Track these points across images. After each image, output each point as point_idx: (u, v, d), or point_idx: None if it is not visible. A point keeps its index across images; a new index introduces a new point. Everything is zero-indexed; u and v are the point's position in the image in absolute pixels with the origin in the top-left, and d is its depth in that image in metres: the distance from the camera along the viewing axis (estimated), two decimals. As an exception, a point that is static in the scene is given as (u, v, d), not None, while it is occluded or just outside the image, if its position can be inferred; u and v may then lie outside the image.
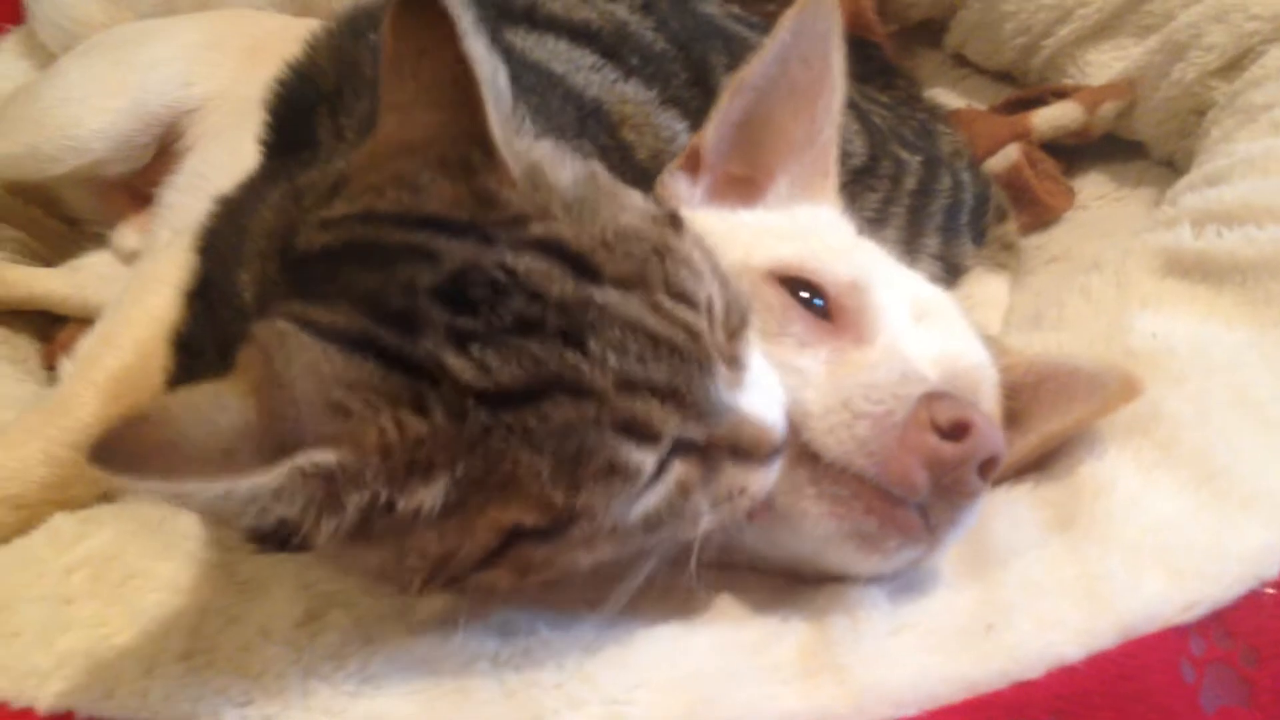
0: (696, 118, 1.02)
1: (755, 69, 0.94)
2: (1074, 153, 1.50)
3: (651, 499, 0.62)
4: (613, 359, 0.58)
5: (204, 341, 0.80)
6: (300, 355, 0.56)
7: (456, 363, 0.57)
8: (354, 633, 0.70)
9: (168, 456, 0.52)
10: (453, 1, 0.60)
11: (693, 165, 0.95)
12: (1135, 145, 1.45)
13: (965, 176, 1.25)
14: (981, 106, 1.62)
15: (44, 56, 1.59)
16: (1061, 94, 1.49)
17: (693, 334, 0.61)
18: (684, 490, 0.63)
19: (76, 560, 0.76)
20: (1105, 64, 1.46)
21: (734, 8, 1.24)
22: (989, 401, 0.84)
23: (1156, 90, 1.37)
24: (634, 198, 0.67)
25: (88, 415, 0.84)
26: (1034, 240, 1.35)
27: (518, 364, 0.57)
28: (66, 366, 0.95)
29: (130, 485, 0.53)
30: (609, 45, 1.03)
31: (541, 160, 0.64)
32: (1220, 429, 0.77)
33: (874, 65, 1.55)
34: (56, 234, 1.51)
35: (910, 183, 1.16)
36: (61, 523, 0.80)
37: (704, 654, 0.68)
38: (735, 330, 0.66)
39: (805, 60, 0.95)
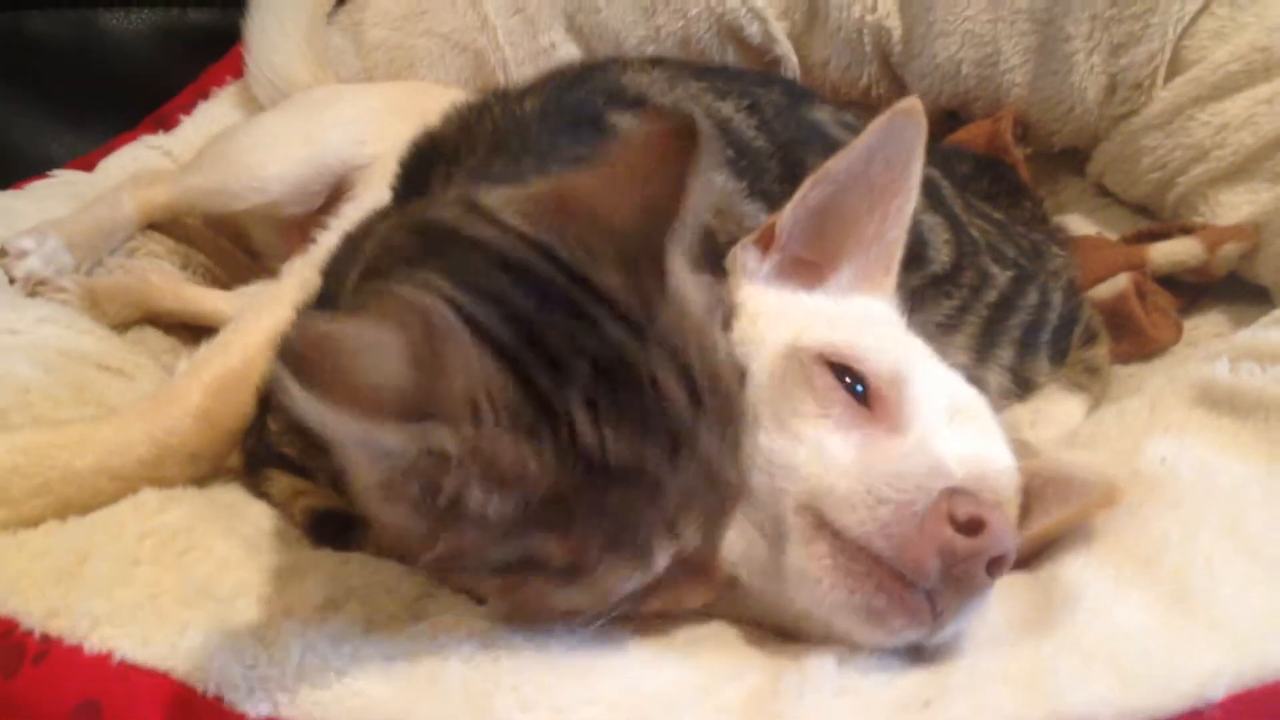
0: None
1: (841, 163, 1.00)
2: (1198, 290, 1.50)
3: (646, 576, 0.72)
4: (690, 477, 0.70)
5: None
6: (457, 341, 0.65)
7: (584, 424, 0.66)
8: (360, 623, 0.78)
9: (333, 383, 0.58)
10: (708, 141, 0.71)
11: (766, 242, 1.02)
12: (1260, 289, 1.44)
13: (1055, 297, 1.27)
14: (1113, 236, 1.64)
15: (254, 108, 1.79)
16: (1189, 230, 1.49)
17: (733, 489, 0.75)
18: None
19: (150, 529, 0.87)
20: (1236, 205, 1.46)
21: (848, 115, 1.31)
22: (1009, 504, 0.88)
23: None
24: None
25: (190, 408, 0.96)
26: (1130, 369, 1.36)
27: (627, 450, 0.67)
28: (182, 365, 1.09)
29: (297, 397, 0.58)
30: (704, 138, 1.12)
31: (687, 280, 0.74)
32: (1204, 554, 0.78)
33: (1005, 184, 1.60)
34: (241, 264, 1.70)
35: (991, 295, 1.20)
36: (147, 496, 0.91)
37: (659, 684, 0.74)
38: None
39: (888, 162, 1.01)
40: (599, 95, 1.11)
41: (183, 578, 0.83)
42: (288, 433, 0.95)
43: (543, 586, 0.71)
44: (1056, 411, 1.22)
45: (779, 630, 0.83)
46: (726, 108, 1.17)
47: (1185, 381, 0.97)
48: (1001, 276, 1.23)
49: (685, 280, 0.74)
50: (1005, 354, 1.20)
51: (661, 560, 0.70)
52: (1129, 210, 1.69)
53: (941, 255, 1.18)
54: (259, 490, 0.99)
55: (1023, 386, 1.20)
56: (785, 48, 1.75)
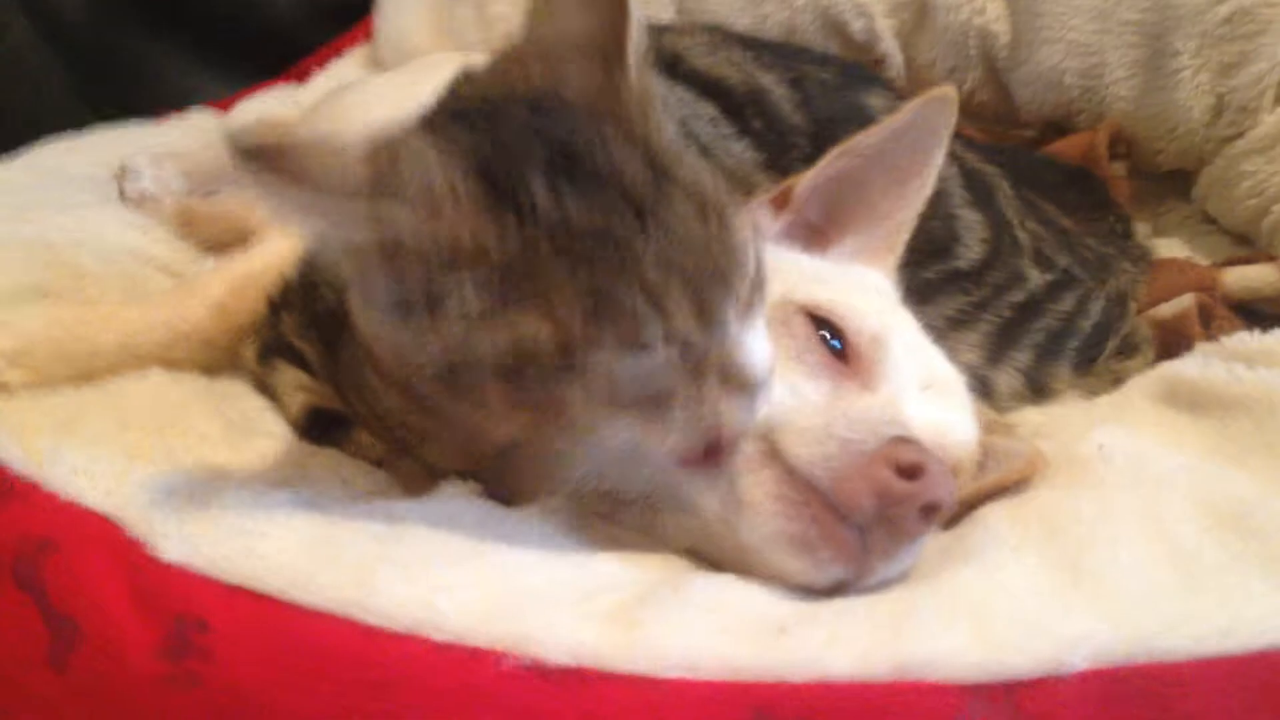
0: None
1: (870, 139, 1.03)
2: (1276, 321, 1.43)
3: (646, 369, 0.71)
4: (662, 239, 0.70)
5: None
6: (411, 145, 0.70)
7: (544, 195, 0.69)
8: (295, 498, 0.85)
9: (291, 171, 0.63)
10: None
11: (780, 203, 1.05)
12: (1340, 322, 1.38)
13: (1095, 306, 1.25)
14: (1206, 262, 1.58)
15: (378, 70, 1.90)
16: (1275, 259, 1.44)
17: (730, 260, 0.73)
18: (669, 387, 0.73)
19: (147, 403, 0.96)
20: (1329, 236, 1.40)
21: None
22: (965, 475, 0.90)
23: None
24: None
25: (208, 300, 1.05)
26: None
27: (589, 215, 0.69)
28: (209, 264, 1.19)
29: (261, 183, 0.64)
30: (734, 103, 1.15)
31: (654, 95, 0.77)
32: (1110, 532, 0.77)
33: (1092, 198, 1.58)
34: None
35: (1018, 296, 1.19)
36: (156, 375, 1.00)
37: (546, 581, 0.77)
38: (754, 293, 0.77)
39: (913, 145, 1.04)
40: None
41: (159, 444, 0.90)
42: (301, 328, 1.02)
43: (548, 386, 0.71)
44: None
45: (718, 565, 0.85)
46: (767, 79, 1.19)
47: (1156, 377, 0.96)
48: (1036, 280, 1.22)
49: (645, 73, 0.76)
50: (1022, 356, 1.18)
51: (653, 334, 0.70)
52: (1231, 239, 1.63)
53: (972, 252, 1.18)
54: (265, 382, 1.06)
55: (1037, 391, 1.18)
56: (890, 46, 1.76)
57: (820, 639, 0.72)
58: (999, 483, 0.87)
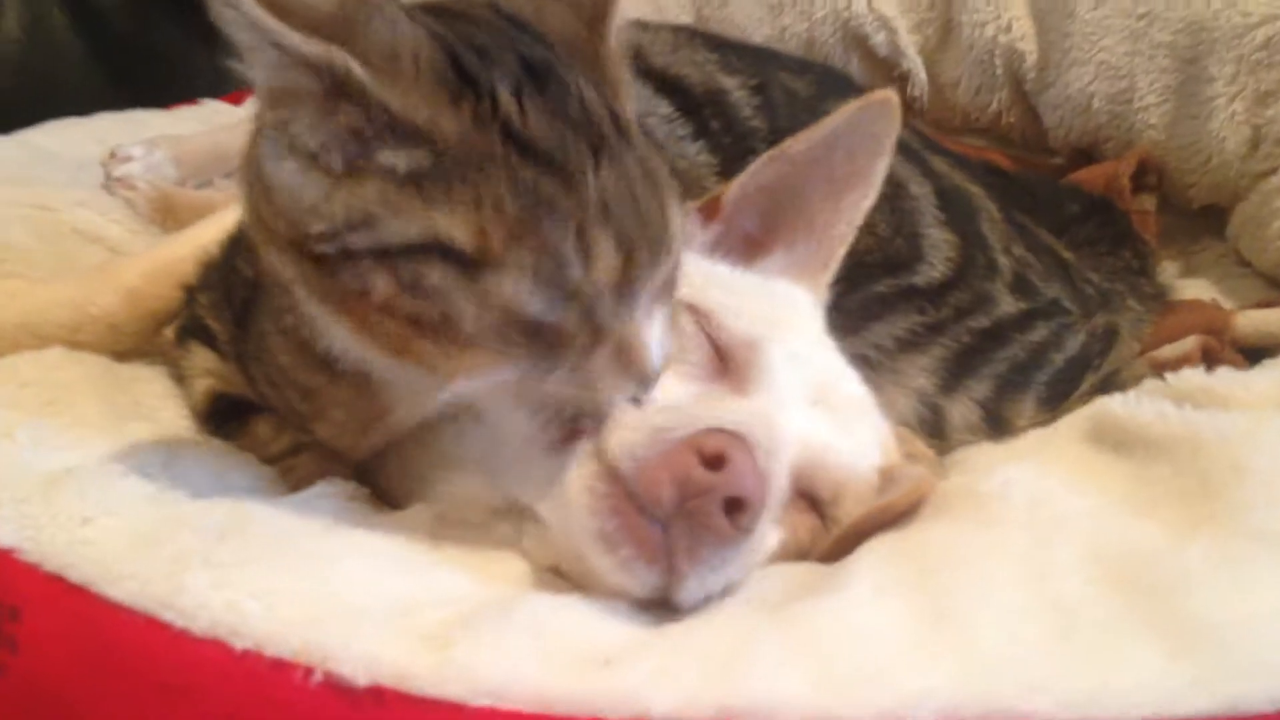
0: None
1: (799, 144, 0.98)
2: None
3: (551, 311, 0.67)
4: (609, 190, 0.67)
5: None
6: (387, 9, 0.66)
7: (507, 98, 0.66)
8: (151, 469, 0.82)
9: None
10: None
11: (709, 212, 1.00)
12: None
13: (1072, 340, 1.15)
14: (1230, 305, 1.47)
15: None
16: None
17: (662, 241, 0.71)
18: (562, 340, 0.69)
19: (35, 380, 0.93)
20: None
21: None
22: (850, 502, 0.84)
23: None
24: None
25: (119, 284, 1.02)
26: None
27: (548, 132, 0.66)
28: (137, 247, 1.16)
29: None
30: (691, 102, 1.09)
31: (626, 70, 0.76)
32: (984, 577, 0.69)
33: (1111, 230, 1.50)
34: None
35: (982, 322, 1.11)
36: (54, 354, 0.97)
37: (371, 592, 0.72)
38: (668, 286, 0.74)
39: (850, 154, 0.97)
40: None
41: (34, 424, 0.88)
42: (215, 307, 0.99)
43: (442, 286, 0.67)
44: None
45: (571, 579, 0.79)
46: (729, 81, 1.13)
47: (1087, 413, 0.87)
48: (1008, 306, 1.13)
49: (620, 48, 0.75)
50: (981, 386, 1.09)
51: (571, 279, 0.66)
52: (1264, 283, 1.52)
53: (934, 271, 1.10)
54: (179, 366, 1.03)
55: (995, 424, 1.09)
56: (914, 63, 1.69)
57: (645, 673, 0.65)
58: (882, 509, 0.80)
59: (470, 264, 0.66)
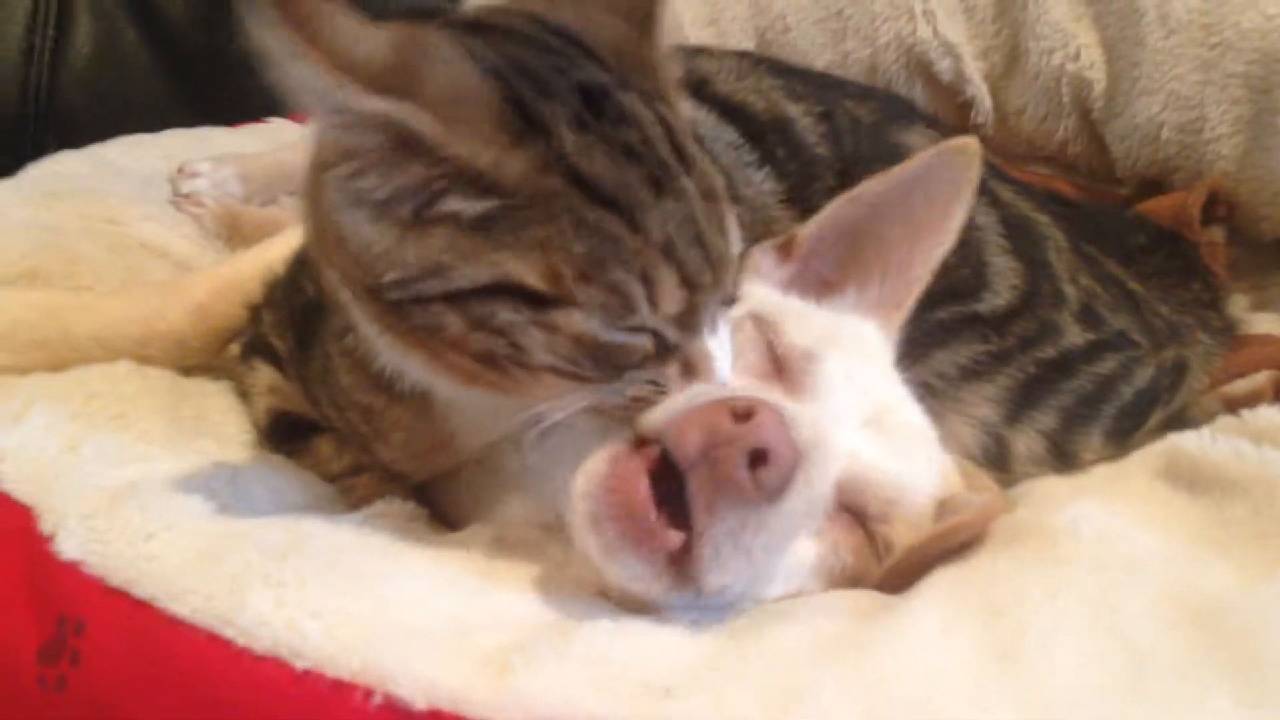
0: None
1: (876, 186, 0.98)
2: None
3: (620, 337, 0.69)
4: (671, 224, 0.68)
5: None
6: (444, 50, 0.67)
7: (568, 136, 0.67)
8: (215, 485, 0.83)
9: (312, 34, 0.61)
10: None
11: (785, 252, 0.99)
12: None
13: (1142, 373, 1.13)
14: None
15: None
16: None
17: (724, 262, 0.72)
18: (633, 360, 0.71)
19: (103, 392, 0.94)
20: None
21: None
22: (902, 525, 0.82)
23: None
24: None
25: (188, 301, 1.03)
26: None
27: (610, 168, 0.67)
28: (203, 262, 1.17)
29: (274, 37, 0.61)
30: (756, 130, 1.08)
31: (674, 69, 0.76)
32: (1056, 619, 0.67)
33: (1179, 262, 1.46)
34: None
35: (1048, 352, 1.08)
36: (122, 367, 0.99)
37: (426, 612, 0.72)
38: (733, 293, 0.76)
39: (929, 198, 0.97)
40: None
41: (99, 437, 0.89)
42: (279, 325, 1.00)
43: (514, 323, 0.68)
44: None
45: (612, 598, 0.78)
46: (794, 109, 1.12)
47: (1160, 450, 0.85)
48: (1075, 337, 1.11)
49: (672, 75, 0.75)
50: (1046, 419, 1.07)
51: (637, 318, 0.68)
52: (1334, 320, 1.48)
53: (998, 299, 1.08)
54: (244, 383, 1.04)
55: (1061, 457, 1.07)
56: (979, 90, 1.66)
57: (704, 707, 0.64)
58: (949, 529, 0.78)
59: (540, 301, 0.67)
